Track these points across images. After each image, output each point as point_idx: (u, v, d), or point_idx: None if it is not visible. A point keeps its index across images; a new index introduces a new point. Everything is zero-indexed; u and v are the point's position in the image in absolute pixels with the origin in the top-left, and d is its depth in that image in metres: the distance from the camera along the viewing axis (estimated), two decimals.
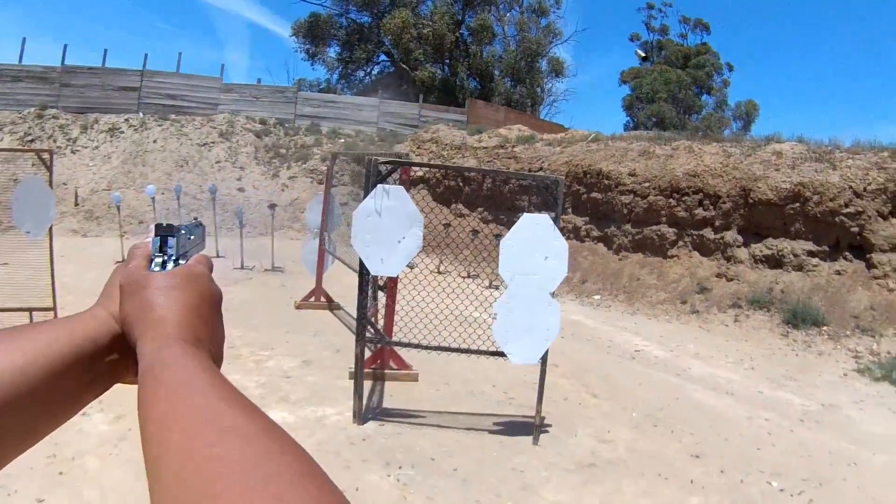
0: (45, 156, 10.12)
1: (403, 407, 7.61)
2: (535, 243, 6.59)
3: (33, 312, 9.13)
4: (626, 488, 6.06)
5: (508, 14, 42.79)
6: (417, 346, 7.25)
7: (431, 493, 5.61)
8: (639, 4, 51.94)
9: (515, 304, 6.56)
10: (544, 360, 6.86)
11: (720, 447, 7.18)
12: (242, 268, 16.25)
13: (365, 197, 6.77)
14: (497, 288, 12.09)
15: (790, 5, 76.57)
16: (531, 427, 7.02)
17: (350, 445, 6.48)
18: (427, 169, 22.69)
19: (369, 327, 7.52)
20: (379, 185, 6.65)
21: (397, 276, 7.66)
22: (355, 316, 7.58)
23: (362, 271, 6.99)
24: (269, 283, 14.99)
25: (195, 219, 1.23)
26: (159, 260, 0.95)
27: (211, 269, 1.00)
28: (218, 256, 17.50)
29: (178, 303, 0.87)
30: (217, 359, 0.88)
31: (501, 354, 6.78)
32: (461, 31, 40.40)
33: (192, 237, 1.06)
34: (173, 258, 0.96)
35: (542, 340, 6.64)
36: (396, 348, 8.30)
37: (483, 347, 7.12)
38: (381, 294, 8.76)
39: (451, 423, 7.23)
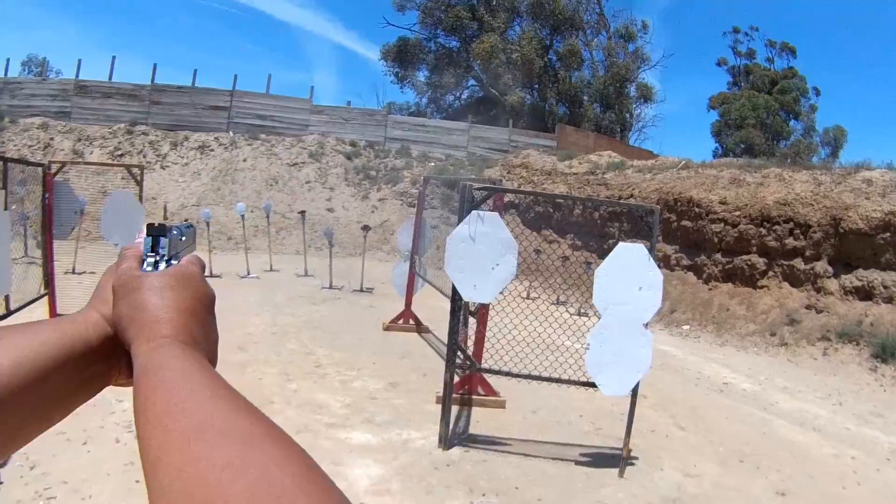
0: (136, 171, 10.37)
1: (490, 434, 7.56)
2: (630, 273, 6.52)
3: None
4: None
5: (596, 39, 42.79)
6: (507, 373, 7.21)
7: None
8: (725, 29, 51.49)
9: (608, 334, 6.49)
10: (635, 392, 6.77)
11: (805, 485, 7.02)
12: (331, 287, 16.39)
13: (458, 222, 6.77)
14: (587, 316, 12.01)
15: (878, 28, 74.81)
16: (618, 459, 6.92)
17: (434, 470, 6.46)
18: (519, 197, 22.68)
19: (459, 353, 7.49)
20: (473, 211, 6.66)
21: (489, 303, 7.62)
22: (444, 340, 7.59)
23: (455, 296, 6.99)
24: (358, 303, 15.09)
25: (185, 220, 1.22)
26: (151, 260, 0.93)
27: (203, 268, 0.99)
28: (307, 275, 17.71)
29: (171, 303, 0.86)
30: (212, 360, 0.87)
31: (592, 385, 6.71)
32: (549, 56, 40.39)
33: (184, 238, 1.04)
34: (165, 258, 0.94)
35: (634, 372, 6.56)
36: (485, 374, 8.24)
37: (572, 376, 7.05)
38: (471, 320, 8.74)
39: (536, 451, 7.16)
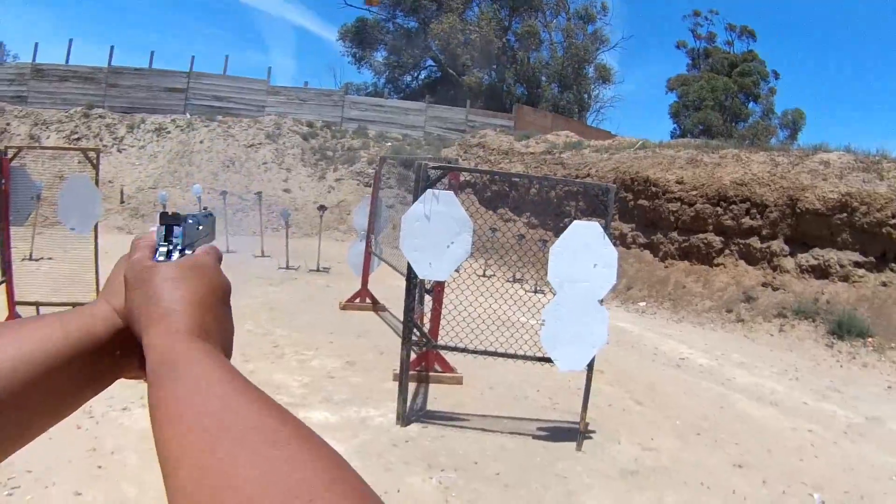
0: (92, 154, 10.24)
1: (447, 410, 7.60)
2: (585, 250, 6.56)
3: (77, 307, 9.25)
4: (668, 497, 6.02)
5: (555, 20, 42.79)
6: (463, 349, 7.25)
7: (473, 498, 5.60)
8: (685, 12, 51.69)
9: (564, 310, 6.53)
10: (591, 366, 6.82)
11: (763, 458, 7.11)
12: (287, 268, 16.38)
13: (414, 201, 6.78)
14: (542, 293, 12.06)
15: (837, 12, 75.57)
16: (575, 433, 6.98)
17: (392, 447, 6.47)
18: (469, 177, 22.67)
19: (415, 330, 7.51)
20: (428, 190, 6.66)
21: (444, 281, 7.64)
22: (401, 318, 7.58)
23: (410, 275, 7.00)
24: (314, 283, 15.07)
25: (205, 209, 1.19)
26: (164, 249, 0.90)
27: (220, 259, 0.96)
28: (263, 256, 17.69)
29: (185, 295, 0.83)
30: (227, 352, 0.86)
31: (548, 360, 6.76)
32: (508, 37, 40.45)
33: (201, 227, 1.02)
34: (179, 248, 0.91)
35: (590, 347, 6.61)
36: (441, 351, 8.27)
37: (528, 351, 7.11)
38: (427, 297, 8.76)
39: (494, 426, 7.21)
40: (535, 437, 7.10)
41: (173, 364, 0.72)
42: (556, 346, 6.55)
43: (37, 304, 9.17)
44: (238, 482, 0.54)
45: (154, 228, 0.93)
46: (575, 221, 6.77)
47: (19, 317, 8.73)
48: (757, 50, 48.20)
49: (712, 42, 49.30)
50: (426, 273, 6.82)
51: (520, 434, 7.09)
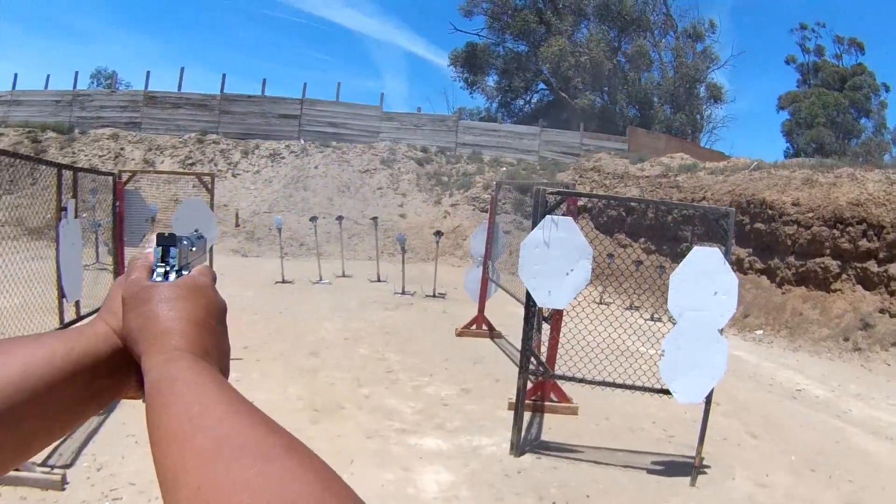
0: (206, 179, 10.50)
1: (562, 441, 7.54)
2: (705, 277, 6.45)
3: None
4: None
5: (664, 40, 42.44)
6: (581, 380, 7.16)
7: None
8: (792, 25, 50.54)
9: (683, 340, 6.42)
10: (709, 399, 6.69)
11: (878, 496, 6.89)
12: (403, 293, 16.46)
13: (532, 227, 6.76)
14: (660, 321, 11.89)
15: None
16: (689, 467, 6.86)
17: (504, 477, 6.45)
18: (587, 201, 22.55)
19: (532, 359, 7.47)
20: (547, 216, 6.65)
21: (563, 309, 7.59)
22: (517, 346, 7.56)
23: (528, 302, 6.97)
24: (430, 308, 15.14)
25: (196, 230, 1.20)
26: (161, 270, 0.92)
27: (214, 280, 0.97)
28: (379, 281, 17.85)
29: (183, 314, 0.84)
30: (224, 371, 0.85)
31: (666, 392, 6.64)
32: (618, 58, 40.17)
33: (195, 248, 1.02)
34: (175, 269, 0.93)
35: (709, 379, 6.48)
36: (558, 381, 8.20)
37: (646, 382, 7.00)
38: (544, 325, 8.71)
39: (608, 459, 7.13)
40: (648, 471, 6.99)
41: (170, 383, 0.72)
42: (676, 377, 6.45)
43: None
44: (232, 500, 0.55)
45: (150, 249, 0.94)
46: (695, 248, 6.65)
47: None
48: (866, 62, 46.95)
49: (821, 55, 48.09)
50: (545, 301, 6.80)
51: (633, 468, 6.99)
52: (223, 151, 27.38)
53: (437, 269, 17.48)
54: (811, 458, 7.77)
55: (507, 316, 12.35)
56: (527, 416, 7.69)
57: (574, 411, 8.46)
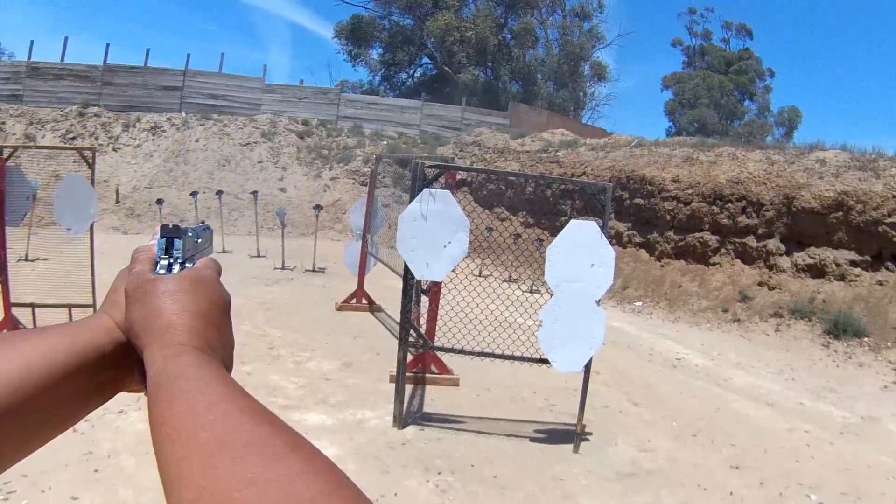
0: (88, 153, 10.17)
1: (444, 412, 7.57)
2: (582, 250, 6.52)
3: (73, 309, 9.19)
4: (665, 499, 6.02)
5: (551, 18, 42.72)
6: (461, 351, 7.19)
7: (470, 501, 5.58)
8: (681, 9, 51.57)
9: (561, 311, 6.49)
10: (588, 368, 6.79)
11: (760, 459, 7.12)
12: (283, 268, 16.32)
13: (411, 200, 6.73)
14: (539, 293, 12.03)
15: (833, 10, 75.55)
16: (572, 435, 6.96)
17: (389, 450, 6.45)
18: (465, 176, 22.62)
19: (412, 331, 7.46)
20: (425, 189, 6.61)
21: (441, 281, 7.60)
22: (397, 319, 7.54)
23: (407, 275, 6.96)
24: (311, 283, 15.02)
25: (202, 221, 1.18)
26: (165, 263, 0.89)
27: (219, 272, 0.95)
28: (259, 256, 17.62)
29: (187, 308, 0.82)
30: (228, 365, 0.84)
31: (545, 362, 6.72)
32: (504, 35, 40.29)
33: (200, 240, 1.00)
34: (179, 261, 0.90)
35: (587, 349, 6.58)
36: (438, 353, 8.22)
37: (526, 353, 7.07)
38: (423, 298, 8.71)
39: (491, 429, 7.19)
40: (532, 439, 7.08)
41: (173, 378, 0.71)
42: (554, 347, 6.52)
43: (32, 306, 9.09)
44: (236, 498, 0.54)
45: (154, 240, 0.91)
46: (572, 221, 6.72)
47: (15, 318, 8.71)
48: (753, 48, 48.21)
49: (708, 40, 49.19)
50: (423, 273, 6.78)
51: (517, 436, 7.07)
52: (104, 125, 26.52)
53: (317, 243, 17.36)
54: (693, 424, 8.01)
55: (387, 290, 12.35)
56: (409, 388, 7.70)
57: (455, 383, 8.50)
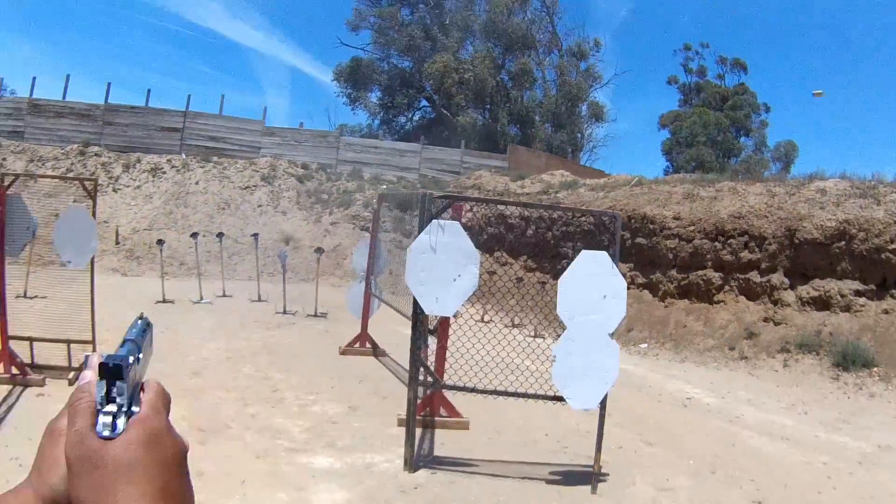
0: (89, 184, 10.06)
1: (455, 455, 7.37)
2: (594, 281, 6.41)
3: (72, 344, 9.11)
4: None
5: (548, 58, 42.97)
6: (473, 389, 7.00)
7: None
8: (676, 46, 51.91)
9: (574, 346, 6.36)
10: (603, 405, 6.66)
11: (781, 493, 7.01)
12: (285, 312, 16.11)
13: (419, 232, 6.57)
14: (542, 336, 11.88)
15: (827, 40, 76.13)
16: (588, 476, 6.80)
17: (401, 493, 6.25)
18: (470, 216, 22.49)
19: (422, 369, 7.26)
20: (434, 221, 6.47)
21: (449, 318, 7.43)
22: (402, 364, 7.39)
23: (416, 310, 6.77)
24: (313, 328, 14.84)
25: (142, 314, 0.99)
26: (108, 418, 0.77)
27: (168, 405, 0.85)
28: (260, 300, 17.43)
29: (144, 490, 0.73)
30: None
31: (560, 399, 6.55)
32: (501, 76, 40.45)
33: (141, 356, 0.87)
34: (124, 409, 0.79)
35: (602, 384, 6.46)
36: (448, 395, 8.01)
37: (530, 391, 6.89)
38: (430, 338, 8.53)
39: (505, 472, 6.99)
40: (548, 481, 6.89)
41: None
42: (569, 383, 6.37)
43: (31, 339, 9.06)
44: None
45: (89, 381, 0.81)
46: (583, 251, 6.59)
47: (12, 351, 8.59)
48: (747, 82, 48.50)
49: (703, 76, 49.47)
50: (432, 307, 6.62)
51: (532, 479, 6.88)
52: (104, 164, 26.55)
53: (318, 288, 17.18)
54: (710, 462, 7.87)
55: (390, 334, 12.29)
56: (418, 432, 7.48)
57: (465, 426, 8.30)
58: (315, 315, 16.20)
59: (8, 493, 0.78)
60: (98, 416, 0.77)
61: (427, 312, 6.82)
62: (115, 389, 0.79)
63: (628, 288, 16.98)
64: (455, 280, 6.42)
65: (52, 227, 9.98)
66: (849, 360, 12.17)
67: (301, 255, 23.45)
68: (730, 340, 14.38)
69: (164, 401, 0.85)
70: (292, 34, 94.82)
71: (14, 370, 8.54)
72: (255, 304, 17.21)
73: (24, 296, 13.98)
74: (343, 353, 12.21)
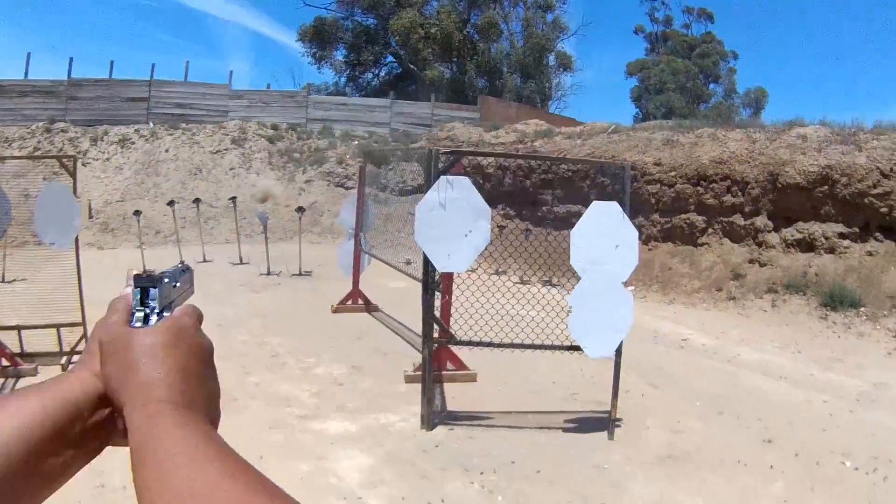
0: (68, 162, 9.79)
1: (468, 409, 7.34)
2: (605, 231, 6.37)
3: (61, 329, 8.93)
4: (710, 477, 5.96)
5: (513, 10, 42.77)
6: (489, 344, 6.95)
7: (520, 499, 5.38)
8: None
9: (589, 295, 6.32)
10: (619, 352, 6.69)
11: (788, 431, 7.10)
12: (269, 273, 16.04)
13: (426, 189, 6.47)
14: (529, 283, 11.88)
15: None
16: (602, 422, 6.86)
17: (423, 453, 6.20)
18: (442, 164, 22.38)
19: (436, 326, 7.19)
20: (442, 177, 6.37)
21: (452, 274, 7.37)
22: (396, 318, 7.34)
23: (426, 268, 6.70)
24: (300, 287, 14.78)
25: (182, 262, 1.09)
26: (141, 315, 0.86)
27: (200, 319, 0.91)
28: (241, 263, 17.35)
29: (165, 363, 0.80)
30: (213, 417, 0.83)
31: (577, 349, 6.55)
32: (468, 30, 40.24)
33: (178, 284, 0.95)
34: (156, 311, 0.87)
35: (617, 332, 6.49)
36: (457, 348, 7.96)
37: (546, 341, 6.92)
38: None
39: (521, 423, 6.99)
40: (564, 430, 6.91)
41: (155, 441, 0.69)
42: (586, 333, 6.35)
43: (18, 328, 8.76)
44: None
45: (129, 289, 0.88)
46: (594, 202, 6.57)
47: (0, 343, 8.29)
48: (714, 31, 48.76)
49: (670, 25, 49.75)
50: (444, 265, 6.54)
51: (549, 428, 6.89)
52: (72, 140, 26.12)
53: (298, 246, 17.13)
54: (715, 403, 7.95)
55: (381, 289, 12.35)
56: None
57: (473, 378, 8.28)
58: (300, 274, 16.20)
59: (67, 373, 0.85)
60: (133, 315, 0.86)
61: (439, 269, 6.74)
62: (149, 296, 0.86)
63: None
64: (466, 236, 6.34)
65: (24, 207, 9.73)
66: (836, 301, 12.34)
67: (278, 214, 23.35)
68: (716, 282, 14.48)
69: (197, 312, 0.91)
70: None
71: (4, 362, 8.24)
72: (236, 267, 17.15)
73: (2, 280, 13.77)
74: (336, 311, 12.13)
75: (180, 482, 0.62)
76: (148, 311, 0.86)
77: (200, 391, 0.82)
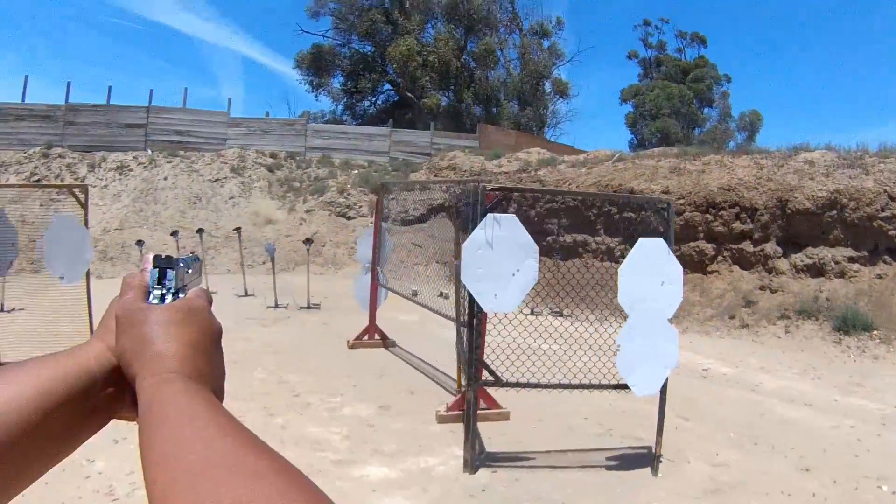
0: (80, 192, 9.60)
1: (507, 450, 7.19)
2: (651, 268, 6.30)
3: (72, 347, 8.61)
4: None
5: (510, 38, 43.10)
6: (536, 385, 6.84)
7: None
8: (636, 21, 52.34)
9: (636, 333, 6.23)
10: (663, 389, 6.65)
11: (822, 458, 7.15)
12: (276, 306, 15.81)
13: (472, 227, 6.36)
14: (540, 314, 11.78)
15: (784, 10, 77.11)
16: (644, 458, 6.86)
17: (470, 498, 6.02)
18: (446, 198, 22.24)
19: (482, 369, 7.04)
20: (489, 214, 6.25)
21: (486, 312, 7.24)
22: (415, 354, 7.32)
23: (472, 308, 6.56)
24: (310, 321, 14.51)
25: (192, 252, 1.04)
26: (158, 293, 0.92)
27: (210, 302, 0.96)
28: (247, 295, 17.20)
29: (178, 338, 0.84)
30: (219, 393, 0.85)
31: (624, 387, 6.44)
32: (465, 58, 40.50)
33: (190, 271, 1.01)
34: (172, 291, 0.93)
35: (663, 369, 6.44)
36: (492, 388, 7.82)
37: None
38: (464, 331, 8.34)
39: (562, 462, 6.85)
40: (607, 468, 6.84)
41: (162, 405, 0.72)
42: (632, 370, 6.27)
43: None
44: None
45: (145, 268, 0.93)
46: (640, 239, 6.48)
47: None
48: (707, 55, 49.24)
49: (663, 50, 50.21)
50: (492, 305, 6.39)
51: (591, 466, 6.80)
52: (69, 166, 26.07)
53: (302, 278, 17.03)
54: (748, 433, 8.00)
55: (391, 321, 12.26)
56: (460, 427, 7.29)
57: (506, 417, 8.11)
58: (308, 307, 15.90)
59: (82, 343, 0.90)
60: (149, 293, 0.91)
61: (486, 310, 6.60)
62: (166, 277, 0.92)
63: (618, 262, 16.97)
64: (514, 275, 6.22)
65: (22, 234, 9.53)
66: (849, 325, 12.47)
67: (279, 244, 23.18)
68: (728, 309, 14.56)
69: (208, 296, 0.96)
70: (243, 24, 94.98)
71: None
72: (242, 300, 16.91)
73: (2, 309, 13.50)
74: (352, 346, 11.88)
75: (180, 439, 0.64)
76: (164, 290, 0.92)
77: (208, 366, 0.85)
